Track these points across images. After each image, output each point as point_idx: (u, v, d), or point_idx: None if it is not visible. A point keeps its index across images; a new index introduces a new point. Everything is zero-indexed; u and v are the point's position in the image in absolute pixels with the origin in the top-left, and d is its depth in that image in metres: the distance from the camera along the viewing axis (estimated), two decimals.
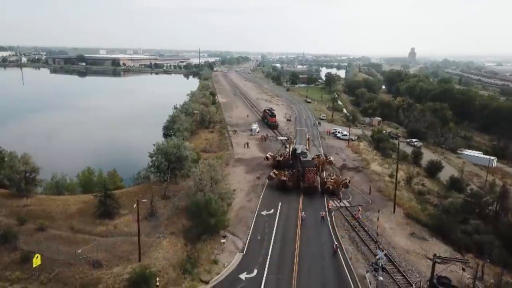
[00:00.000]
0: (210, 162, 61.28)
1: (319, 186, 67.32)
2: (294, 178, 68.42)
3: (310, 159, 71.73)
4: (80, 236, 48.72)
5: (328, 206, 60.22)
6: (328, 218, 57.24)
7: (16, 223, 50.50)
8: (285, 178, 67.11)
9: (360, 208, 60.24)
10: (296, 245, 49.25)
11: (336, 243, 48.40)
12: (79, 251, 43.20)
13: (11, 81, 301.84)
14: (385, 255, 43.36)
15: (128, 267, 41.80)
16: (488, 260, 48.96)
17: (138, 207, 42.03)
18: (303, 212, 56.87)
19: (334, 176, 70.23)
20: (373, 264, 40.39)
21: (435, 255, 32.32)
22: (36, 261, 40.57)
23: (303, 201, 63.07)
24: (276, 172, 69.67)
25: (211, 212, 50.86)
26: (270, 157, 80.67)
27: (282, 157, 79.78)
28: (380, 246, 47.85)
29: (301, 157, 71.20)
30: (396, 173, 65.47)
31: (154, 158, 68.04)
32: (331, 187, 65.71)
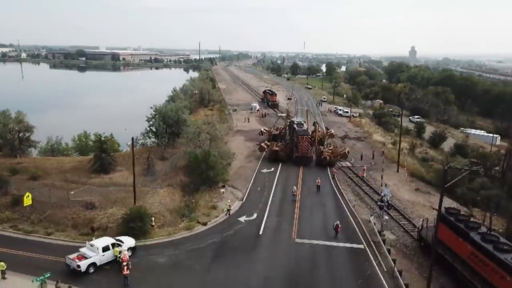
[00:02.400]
0: (209, 119, 59.70)
1: (313, 157, 62.57)
2: (287, 148, 63.67)
3: (306, 129, 66.40)
4: (74, 186, 46.97)
5: (318, 183, 50.52)
6: (330, 174, 55.75)
7: (8, 174, 48.85)
8: (277, 148, 62.54)
9: (365, 167, 58.52)
10: (298, 194, 47.65)
11: (337, 222, 38.08)
12: (72, 192, 41.61)
13: (10, 77, 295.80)
14: (388, 201, 41.76)
15: (122, 208, 40.09)
16: (495, 213, 47.49)
17: (132, 144, 40.36)
18: (294, 187, 48.52)
19: (332, 147, 65.34)
20: (379, 202, 38.84)
21: (447, 163, 30.62)
22: (27, 200, 38.88)
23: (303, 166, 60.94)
24: (268, 143, 64.76)
25: (210, 165, 49.19)
26: (265, 131, 73.40)
27: (278, 131, 73.32)
28: (386, 184, 46.14)
29: (296, 127, 65.93)
30: (400, 132, 64.02)
31: (151, 122, 66.50)
32: (328, 157, 59.99)
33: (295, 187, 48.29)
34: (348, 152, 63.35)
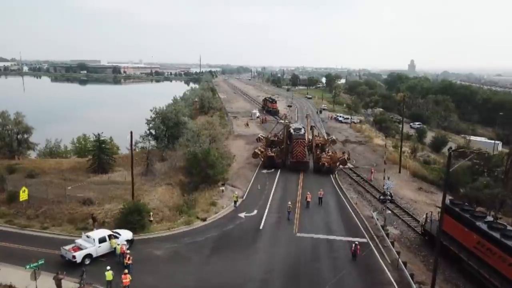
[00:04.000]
0: (208, 119, 59.27)
1: (310, 163, 59.06)
2: (283, 154, 60.06)
3: (303, 133, 61.94)
4: (72, 183, 46.25)
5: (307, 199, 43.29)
6: (332, 177, 55.00)
7: (5, 173, 48.23)
8: (272, 154, 58.78)
9: (372, 170, 57.37)
10: (299, 192, 47.00)
11: (356, 243, 32.01)
12: (69, 188, 40.91)
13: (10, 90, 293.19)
14: (391, 194, 41.03)
15: (120, 204, 39.33)
16: (500, 211, 46.79)
17: (131, 137, 39.79)
18: (289, 202, 41.11)
19: (330, 152, 60.92)
20: (381, 197, 38.12)
21: (450, 147, 30.02)
22: (23, 195, 38.20)
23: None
24: (262, 149, 60.21)
25: (210, 163, 48.60)
26: (262, 138, 67.48)
27: (276, 138, 67.02)
28: (388, 177, 45.38)
29: (293, 132, 62.24)
30: (401, 132, 63.47)
31: (151, 125, 66.07)
32: (326, 164, 56.14)
33: (289, 203, 40.75)
34: (348, 158, 59.61)
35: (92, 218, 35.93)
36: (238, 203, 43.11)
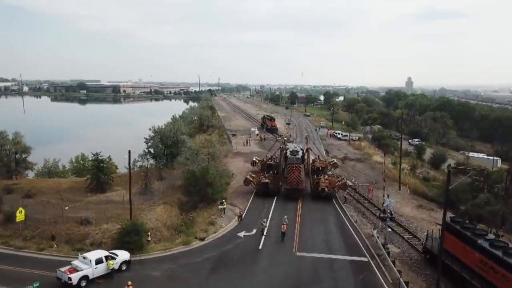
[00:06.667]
0: (207, 137, 59.26)
1: (306, 188, 54.56)
2: (278, 180, 55.35)
3: (299, 157, 56.80)
4: (69, 203, 45.86)
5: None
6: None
7: (2, 193, 47.90)
8: (267, 180, 53.37)
9: (371, 187, 56.78)
10: (298, 212, 46.66)
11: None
12: (66, 208, 40.52)
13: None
14: (391, 211, 40.71)
15: (118, 224, 38.92)
16: (501, 229, 46.39)
17: (129, 157, 39.67)
18: (284, 222, 39.60)
19: (327, 176, 55.25)
20: (381, 215, 37.81)
21: (449, 165, 29.84)
22: (20, 215, 37.88)
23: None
24: (254, 175, 55.18)
25: (209, 182, 48.33)
26: (257, 161, 63.06)
27: (273, 161, 61.09)
28: (388, 194, 45.05)
29: (288, 154, 57.55)
30: (400, 149, 63.44)
31: (150, 144, 66.12)
32: (326, 189, 51.42)
33: (285, 223, 39.38)
34: (346, 183, 54.75)
35: (52, 237, 35.80)
36: (235, 222, 42.92)
